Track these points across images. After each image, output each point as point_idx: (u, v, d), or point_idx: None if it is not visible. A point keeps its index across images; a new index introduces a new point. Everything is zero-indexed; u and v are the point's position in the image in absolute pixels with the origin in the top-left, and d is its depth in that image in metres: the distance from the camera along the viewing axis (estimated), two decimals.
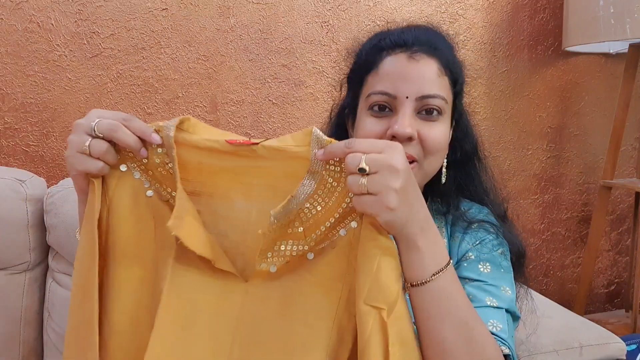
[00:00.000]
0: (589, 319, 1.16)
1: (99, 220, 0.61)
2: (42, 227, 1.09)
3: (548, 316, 1.13)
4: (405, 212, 0.57)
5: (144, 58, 1.34)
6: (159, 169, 0.63)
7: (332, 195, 0.61)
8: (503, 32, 1.60)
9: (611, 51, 1.65)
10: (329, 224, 0.61)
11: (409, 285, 0.62)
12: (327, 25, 1.45)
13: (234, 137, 0.61)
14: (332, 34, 1.46)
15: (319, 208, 0.61)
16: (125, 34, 1.32)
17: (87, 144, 0.59)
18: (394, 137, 0.72)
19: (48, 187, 1.12)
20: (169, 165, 0.62)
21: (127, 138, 0.60)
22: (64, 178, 1.17)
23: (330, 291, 0.61)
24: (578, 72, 1.69)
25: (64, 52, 1.29)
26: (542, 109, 1.68)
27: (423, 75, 0.73)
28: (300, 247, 0.62)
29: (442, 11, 1.53)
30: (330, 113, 0.92)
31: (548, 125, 1.69)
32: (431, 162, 0.76)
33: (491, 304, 0.71)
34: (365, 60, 0.78)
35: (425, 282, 0.61)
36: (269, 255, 0.62)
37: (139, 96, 1.35)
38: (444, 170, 0.80)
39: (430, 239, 0.61)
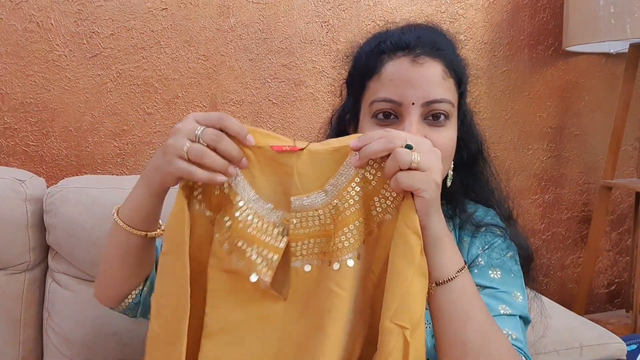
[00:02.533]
0: (589, 319, 1.16)
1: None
2: (42, 227, 1.09)
3: (548, 316, 1.13)
4: (438, 202, 0.61)
5: (144, 58, 1.34)
6: (215, 192, 0.63)
7: (364, 191, 0.61)
8: (503, 32, 1.60)
9: (611, 51, 1.65)
10: (357, 223, 0.61)
11: (434, 285, 0.62)
12: (327, 25, 1.45)
13: (278, 143, 0.62)
14: (332, 34, 1.45)
15: (350, 203, 0.61)
16: (125, 34, 1.31)
17: (185, 148, 0.58)
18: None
19: (48, 187, 1.12)
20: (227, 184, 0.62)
21: (231, 149, 0.60)
22: (63, 178, 1.17)
23: (349, 302, 0.61)
24: (578, 72, 1.68)
25: (63, 52, 1.28)
26: (542, 109, 1.68)
27: (428, 80, 0.70)
28: (330, 246, 0.62)
29: (442, 11, 1.53)
30: (331, 119, 0.89)
31: (548, 125, 1.69)
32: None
33: (505, 312, 0.71)
34: (366, 64, 0.74)
35: (451, 279, 0.62)
36: (300, 250, 0.63)
37: (139, 96, 1.35)
38: (450, 172, 0.77)
39: (451, 238, 0.64)
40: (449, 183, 0.77)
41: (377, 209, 0.62)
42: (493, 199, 0.85)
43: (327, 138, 0.88)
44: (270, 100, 1.44)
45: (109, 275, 0.77)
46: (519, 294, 0.75)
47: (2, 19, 1.24)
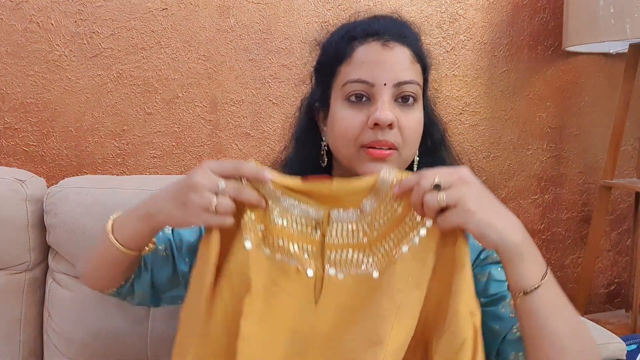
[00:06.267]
0: (589, 319, 1.16)
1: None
2: (42, 227, 1.09)
3: None
4: (495, 220, 0.60)
5: (144, 58, 1.34)
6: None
7: (394, 212, 0.65)
8: (503, 32, 1.60)
9: (611, 51, 1.65)
10: (393, 236, 0.65)
11: (520, 294, 0.63)
12: (327, 25, 1.45)
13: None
14: None
15: (380, 223, 0.65)
16: (125, 34, 1.32)
17: (214, 203, 0.63)
18: (376, 125, 0.71)
19: (48, 187, 1.12)
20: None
21: (252, 196, 0.65)
22: (64, 178, 1.17)
23: (392, 304, 0.63)
24: (578, 72, 1.68)
25: (64, 52, 1.29)
26: (542, 109, 1.68)
27: (398, 62, 0.73)
28: (365, 258, 0.66)
29: (442, 11, 1.53)
30: (300, 106, 0.91)
31: (548, 125, 1.69)
32: (409, 150, 0.77)
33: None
34: (336, 50, 0.77)
35: (538, 287, 0.62)
36: (334, 259, 0.67)
37: (139, 96, 1.35)
38: (416, 158, 0.81)
39: (530, 244, 0.63)
40: (415, 168, 0.81)
41: (409, 224, 0.65)
42: None
43: (297, 124, 0.90)
44: (270, 100, 1.44)
45: (99, 274, 0.81)
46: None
47: (2, 19, 1.24)
